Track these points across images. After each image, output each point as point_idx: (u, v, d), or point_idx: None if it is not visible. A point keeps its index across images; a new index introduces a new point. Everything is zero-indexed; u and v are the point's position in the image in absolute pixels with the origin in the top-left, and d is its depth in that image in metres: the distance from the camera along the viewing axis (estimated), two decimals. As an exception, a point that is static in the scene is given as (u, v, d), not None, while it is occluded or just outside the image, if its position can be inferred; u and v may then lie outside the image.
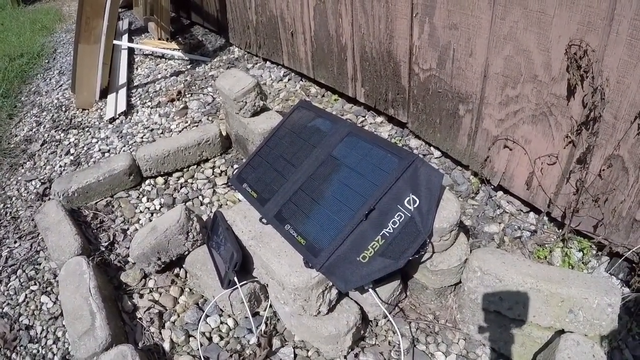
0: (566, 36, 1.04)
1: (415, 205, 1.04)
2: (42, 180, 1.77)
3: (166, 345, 1.15)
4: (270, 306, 1.20)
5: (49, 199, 1.67)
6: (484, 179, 1.42)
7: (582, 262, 1.21)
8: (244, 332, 1.17)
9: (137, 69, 2.52)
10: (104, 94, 2.20)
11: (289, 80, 2.15)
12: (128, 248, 1.42)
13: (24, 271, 1.42)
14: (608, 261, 1.18)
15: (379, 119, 1.78)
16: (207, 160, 1.77)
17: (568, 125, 1.13)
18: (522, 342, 1.05)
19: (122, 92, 2.21)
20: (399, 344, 1.10)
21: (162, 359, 1.13)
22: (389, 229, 1.04)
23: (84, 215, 1.54)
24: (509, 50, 1.18)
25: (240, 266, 1.15)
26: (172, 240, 1.28)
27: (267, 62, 2.31)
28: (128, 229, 1.51)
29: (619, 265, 1.15)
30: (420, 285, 1.18)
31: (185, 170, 1.74)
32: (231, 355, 1.12)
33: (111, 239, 1.45)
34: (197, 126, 1.95)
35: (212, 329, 1.19)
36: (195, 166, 1.74)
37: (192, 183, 1.68)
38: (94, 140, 1.95)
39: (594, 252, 1.21)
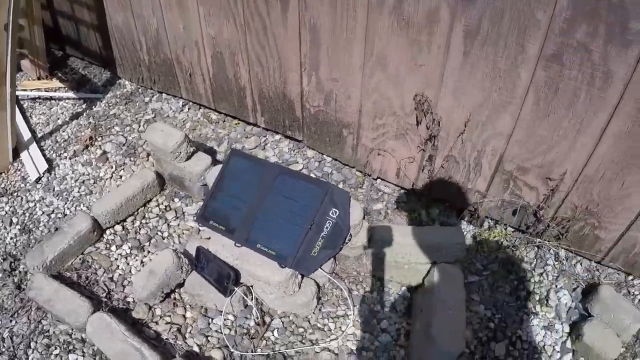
0: (413, 89, 1.68)
1: (337, 215, 1.65)
2: (2, 257, 1.91)
3: (196, 349, 1.63)
4: (256, 298, 1.73)
5: (22, 272, 1.86)
6: (365, 174, 2.09)
7: (438, 215, 1.98)
8: (243, 321, 1.71)
9: (31, 117, 2.54)
10: (15, 154, 2.26)
11: (189, 109, 2.49)
12: (123, 292, 1.79)
13: (37, 342, 1.67)
14: (454, 214, 1.97)
15: (277, 137, 2.30)
16: (150, 200, 2.11)
17: (419, 139, 1.82)
18: (413, 274, 1.79)
19: (34, 148, 2.29)
20: (342, 294, 1.76)
21: (199, 358, 1.61)
22: (325, 232, 1.64)
23: (68, 277, 1.81)
24: (375, 97, 1.80)
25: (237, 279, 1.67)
26: (172, 277, 1.70)
27: (163, 94, 2.58)
28: (112, 276, 1.84)
29: (463, 214, 1.92)
30: (344, 256, 1.83)
31: (136, 213, 2.06)
32: (242, 337, 1.66)
33: (106, 290, 1.77)
34: (124, 170, 2.23)
35: (221, 325, 1.68)
36: (143, 207, 2.07)
37: (146, 223, 2.02)
38: (31, 204, 2.10)
39: (444, 209, 1.98)
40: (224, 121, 2.42)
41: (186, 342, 1.65)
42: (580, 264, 1.80)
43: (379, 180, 2.09)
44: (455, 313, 1.57)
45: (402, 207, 2.02)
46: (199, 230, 2.01)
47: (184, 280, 1.75)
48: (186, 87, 2.42)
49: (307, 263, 1.64)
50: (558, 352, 1.62)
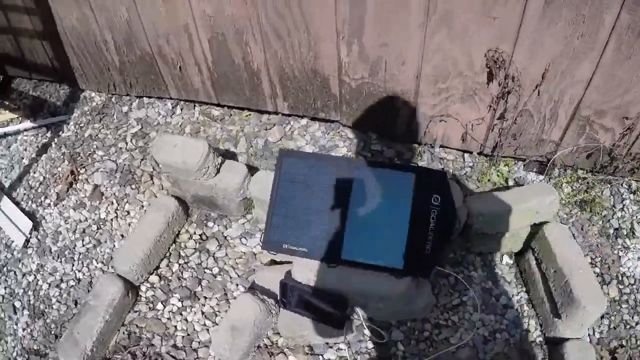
0: (485, 45, 1.44)
1: (439, 200, 1.42)
2: (22, 357, 1.46)
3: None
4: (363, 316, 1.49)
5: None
6: (423, 143, 1.84)
7: (509, 172, 1.81)
8: (358, 346, 1.47)
9: (-10, 162, 1.95)
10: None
11: (182, 110, 2.03)
12: (198, 358, 1.44)
13: None
14: (523, 165, 1.80)
15: (303, 121, 1.95)
16: (178, 233, 1.72)
17: (489, 99, 1.59)
18: (515, 240, 1.62)
19: (8, 204, 1.76)
20: (448, 281, 1.60)
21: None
22: (432, 224, 1.41)
23: (121, 360, 1.42)
24: (437, 58, 1.52)
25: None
26: (263, 326, 1.39)
27: (144, 98, 2.09)
28: (175, 342, 1.48)
29: (531, 164, 1.77)
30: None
31: (168, 255, 1.67)
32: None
33: (179, 362, 1.42)
34: (128, 203, 1.78)
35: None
36: (173, 244, 1.68)
37: (186, 263, 1.65)
38: (29, 277, 1.62)
39: (514, 164, 1.81)
40: (231, 115, 2.02)
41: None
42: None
43: (438, 149, 1.86)
44: (584, 270, 1.45)
45: (469, 172, 1.81)
46: (255, 254, 1.68)
47: (275, 323, 1.45)
48: (175, 84, 1.96)
49: (423, 265, 1.41)
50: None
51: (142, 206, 1.80)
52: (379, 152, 1.86)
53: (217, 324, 1.53)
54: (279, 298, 1.45)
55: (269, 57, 1.72)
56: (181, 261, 1.66)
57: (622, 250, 1.61)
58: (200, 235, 1.74)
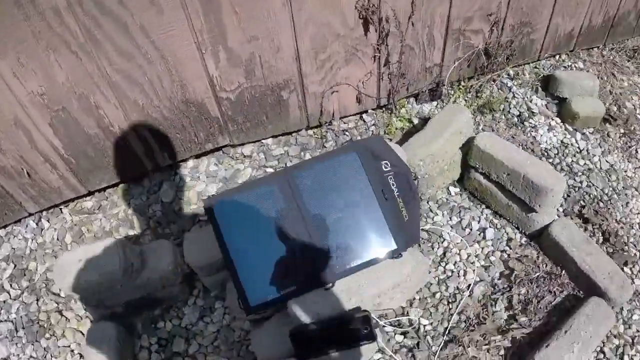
0: (353, -2, 1.38)
1: (390, 164, 1.33)
2: None
3: None
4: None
5: None
6: (321, 124, 1.71)
7: (407, 113, 1.80)
8: (394, 345, 1.34)
9: None
10: None
11: (48, 220, 1.54)
12: None
13: None
14: (415, 100, 1.83)
15: (190, 164, 1.65)
16: (135, 356, 1.30)
17: (371, 49, 1.55)
18: (452, 168, 1.66)
19: None
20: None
21: None
22: (396, 190, 1.31)
23: None
24: (311, 29, 1.42)
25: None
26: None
27: None
28: None
29: (423, 95, 1.80)
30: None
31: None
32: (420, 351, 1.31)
33: None
34: (55, 358, 1.29)
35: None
36: None
37: None
38: None
39: (408, 103, 1.81)
40: (107, 198, 1.59)
41: None
42: (524, 71, 1.95)
43: (337, 122, 1.76)
44: (530, 160, 1.53)
45: (375, 130, 1.76)
46: (228, 325, 1.39)
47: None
48: (30, 195, 1.44)
49: (409, 232, 1.31)
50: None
51: (73, 350, 1.35)
52: (286, 155, 1.69)
53: None
54: (295, 354, 1.21)
55: (128, 110, 1.38)
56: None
57: (532, 131, 1.76)
58: (158, 343, 1.36)
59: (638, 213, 1.61)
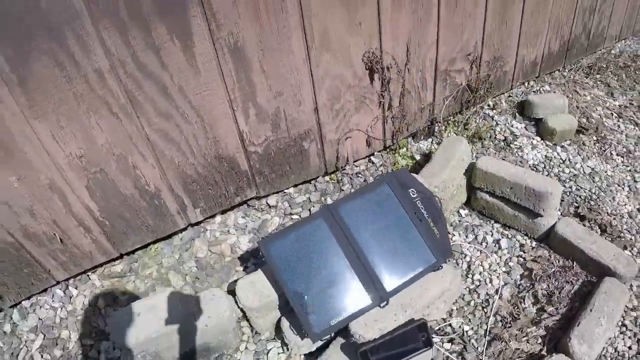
0: (361, 50, 1.61)
1: (416, 191, 1.51)
2: None
3: None
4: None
5: None
6: (336, 170, 1.87)
7: (407, 151, 2.00)
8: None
9: None
10: None
11: (76, 288, 1.53)
12: None
13: None
14: (412, 139, 2.04)
15: (218, 220, 1.75)
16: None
17: (377, 96, 1.76)
18: (460, 192, 1.86)
19: None
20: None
21: None
22: (425, 213, 1.48)
23: None
24: (328, 82, 1.61)
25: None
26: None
27: (23, 302, 1.49)
28: None
29: (418, 134, 2.02)
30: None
31: None
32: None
33: None
34: None
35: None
36: None
37: None
38: None
39: (407, 142, 2.01)
40: (136, 261, 1.64)
41: None
42: (501, 100, 2.24)
43: (349, 166, 1.92)
44: (527, 172, 1.74)
45: (383, 170, 1.94)
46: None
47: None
48: (59, 261, 1.46)
49: (443, 246, 1.46)
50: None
51: None
52: (308, 201, 1.82)
53: None
54: (367, 372, 1.28)
55: (165, 168, 1.48)
56: None
57: (519, 151, 2.00)
58: None
59: (625, 204, 1.84)
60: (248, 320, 1.51)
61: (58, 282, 1.55)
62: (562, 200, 1.83)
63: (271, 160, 1.68)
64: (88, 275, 1.62)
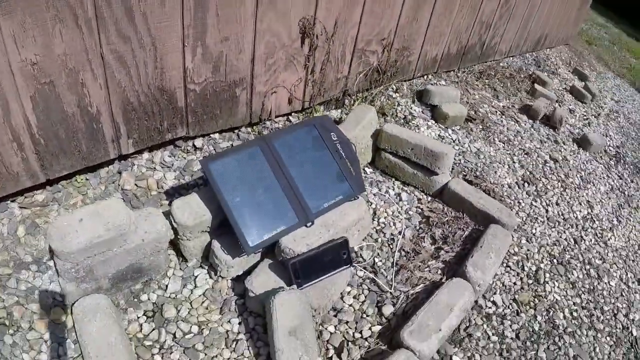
0: (299, 15, 1.81)
1: (337, 136, 1.74)
2: None
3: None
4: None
5: None
6: (259, 122, 2.03)
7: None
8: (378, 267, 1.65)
9: None
10: None
11: (1, 221, 1.45)
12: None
13: None
14: (323, 106, 2.27)
15: (146, 156, 1.79)
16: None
17: (303, 59, 1.97)
18: (366, 152, 2.12)
19: None
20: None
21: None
22: (343, 154, 1.72)
23: None
24: (267, 38, 1.78)
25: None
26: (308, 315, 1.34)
27: None
28: None
29: (330, 103, 2.27)
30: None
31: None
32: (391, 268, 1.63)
33: None
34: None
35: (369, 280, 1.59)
36: (133, 346, 1.29)
37: (165, 352, 1.32)
38: None
39: (320, 107, 2.25)
40: (60, 191, 1.59)
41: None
42: (403, 86, 2.60)
43: (270, 121, 2.09)
44: (425, 137, 2.08)
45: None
46: (214, 286, 1.53)
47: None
48: None
49: (358, 182, 1.70)
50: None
51: (46, 341, 1.31)
52: (230, 148, 1.94)
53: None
54: (294, 281, 1.43)
55: (111, 91, 1.51)
56: (156, 353, 1.33)
57: (416, 129, 2.35)
58: (145, 315, 1.42)
59: (505, 177, 2.31)
60: (176, 249, 1.58)
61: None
62: (452, 169, 2.21)
63: (206, 101, 1.79)
64: (7, 203, 1.55)
